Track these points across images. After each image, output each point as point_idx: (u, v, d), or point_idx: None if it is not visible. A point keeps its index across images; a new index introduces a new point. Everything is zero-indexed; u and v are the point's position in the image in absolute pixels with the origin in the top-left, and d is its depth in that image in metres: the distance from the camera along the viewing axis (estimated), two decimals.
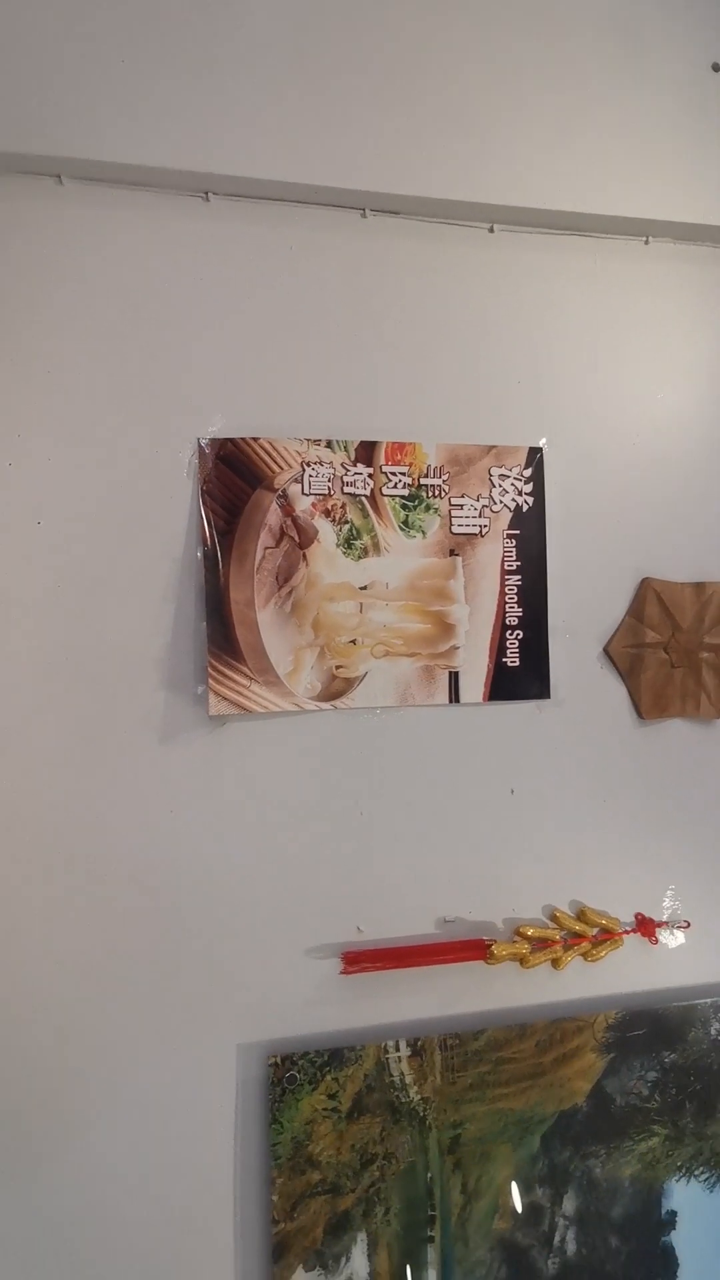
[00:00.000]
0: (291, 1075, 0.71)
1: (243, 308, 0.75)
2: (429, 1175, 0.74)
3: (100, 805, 0.71)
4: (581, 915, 0.80)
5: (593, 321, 0.85)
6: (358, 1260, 0.72)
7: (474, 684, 0.79)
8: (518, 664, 0.80)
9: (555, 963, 0.78)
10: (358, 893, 0.75)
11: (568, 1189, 0.77)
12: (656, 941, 0.81)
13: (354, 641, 0.76)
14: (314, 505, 0.76)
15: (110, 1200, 0.69)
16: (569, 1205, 0.77)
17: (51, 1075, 0.68)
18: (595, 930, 0.79)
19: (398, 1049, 0.74)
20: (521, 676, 0.80)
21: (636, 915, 0.82)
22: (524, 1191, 0.76)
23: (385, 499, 0.79)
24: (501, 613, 0.80)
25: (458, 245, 0.81)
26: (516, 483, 0.83)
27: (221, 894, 0.73)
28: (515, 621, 0.80)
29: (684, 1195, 0.80)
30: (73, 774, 0.70)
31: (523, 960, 0.77)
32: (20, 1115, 0.67)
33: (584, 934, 0.79)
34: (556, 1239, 0.77)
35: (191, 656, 0.72)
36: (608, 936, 0.80)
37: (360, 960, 0.73)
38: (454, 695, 0.78)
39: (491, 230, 0.81)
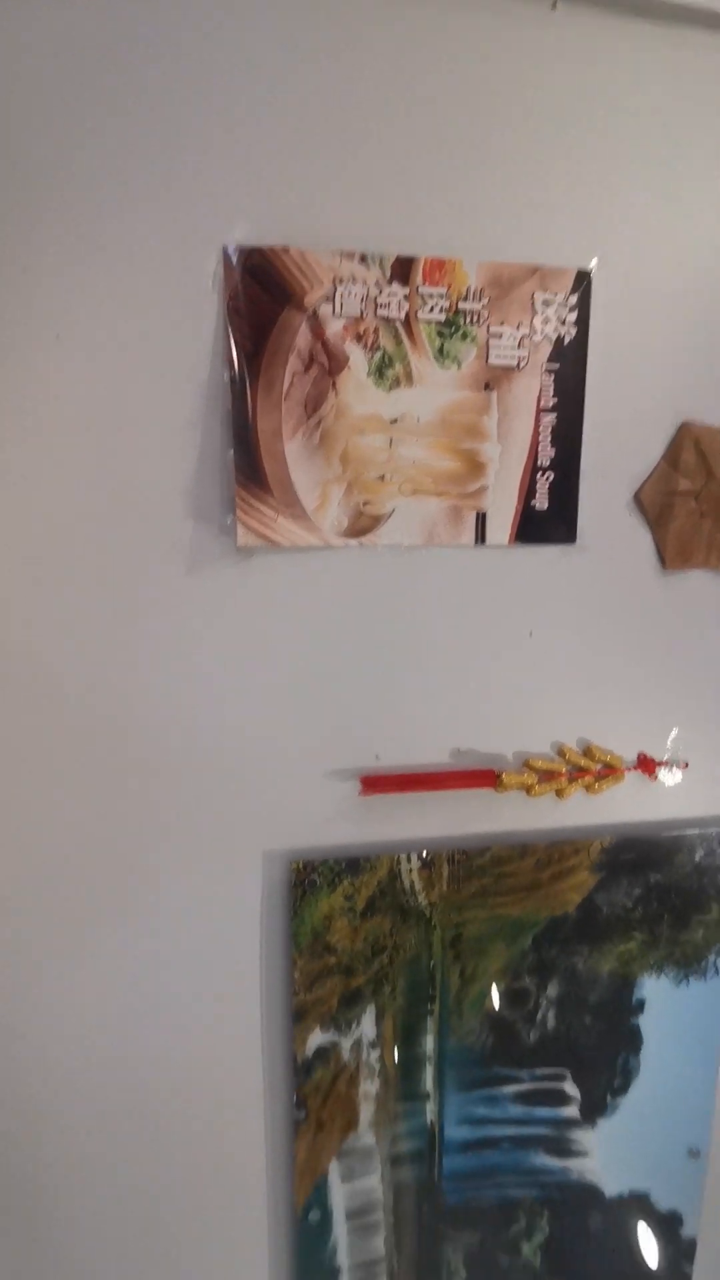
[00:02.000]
0: (312, 879, 0.78)
1: (269, 97, 0.67)
2: (431, 964, 0.84)
3: (128, 633, 0.72)
4: (587, 752, 0.84)
5: (663, 128, 0.75)
6: (366, 1025, 0.83)
7: (501, 526, 0.78)
8: (546, 507, 0.79)
9: (559, 793, 0.84)
10: (376, 723, 0.79)
11: (552, 978, 0.87)
12: (656, 778, 0.86)
13: (382, 478, 0.74)
14: (345, 329, 0.72)
15: (151, 976, 0.78)
16: (552, 991, 0.88)
17: (95, 873, 0.75)
18: (599, 765, 0.84)
19: (409, 861, 0.81)
20: (549, 520, 0.79)
21: (639, 754, 0.86)
22: (513, 979, 0.86)
23: (420, 325, 0.74)
24: (534, 453, 0.77)
25: (516, 28, 0.70)
26: (560, 310, 0.78)
27: (248, 721, 0.76)
28: (547, 462, 0.78)
29: (653, 987, 0.90)
30: (101, 600, 0.71)
31: (529, 789, 0.82)
32: (67, 903, 0.75)
33: (588, 768, 0.84)
34: (538, 1016, 0.88)
35: (219, 487, 0.71)
36: (610, 772, 0.85)
37: (377, 784, 0.78)
38: (480, 537, 0.78)
39: (555, 7, 0.70)
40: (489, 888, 0.83)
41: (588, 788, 0.84)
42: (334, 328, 0.72)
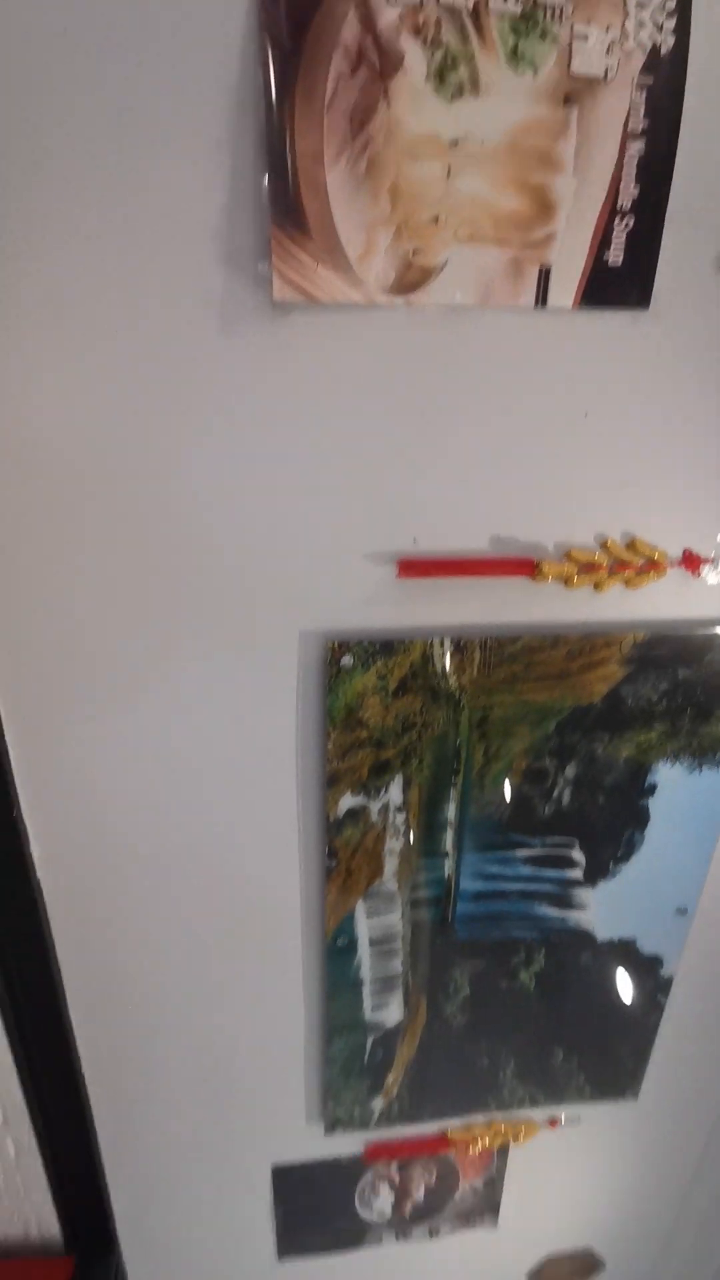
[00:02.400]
0: (347, 659, 0.81)
1: None
2: (457, 741, 0.88)
3: (160, 400, 0.69)
4: (631, 545, 0.82)
5: None
6: (394, 792, 0.90)
7: (566, 285, 0.69)
8: (620, 263, 0.69)
9: (597, 586, 0.82)
10: (416, 505, 0.77)
11: (571, 761, 0.92)
12: (699, 575, 0.84)
13: (436, 219, 0.65)
14: (401, 19, 0.59)
15: (199, 743, 0.84)
16: (569, 771, 0.93)
17: (146, 647, 0.78)
18: (641, 560, 0.82)
19: (442, 646, 0.82)
20: (622, 279, 0.70)
21: (685, 550, 0.83)
22: (534, 759, 0.91)
23: (492, 17, 0.60)
24: (614, 191, 0.66)
25: None
26: (657, 14, 0.63)
27: (282, 498, 0.74)
28: (628, 204, 0.67)
29: (666, 774, 0.95)
30: (131, 364, 0.67)
31: (567, 580, 0.81)
32: (119, 676, 0.79)
33: (630, 562, 0.82)
34: (554, 793, 0.94)
35: (252, 226, 0.63)
36: (652, 567, 0.83)
37: (415, 568, 0.78)
38: (541, 298, 0.69)
39: None
40: (518, 675, 0.85)
41: (627, 582, 0.83)
42: (388, 17, 0.59)
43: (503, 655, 0.84)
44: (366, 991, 1.04)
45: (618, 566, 0.82)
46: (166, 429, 0.69)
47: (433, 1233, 1.39)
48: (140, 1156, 1.16)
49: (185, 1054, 1.07)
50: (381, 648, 0.81)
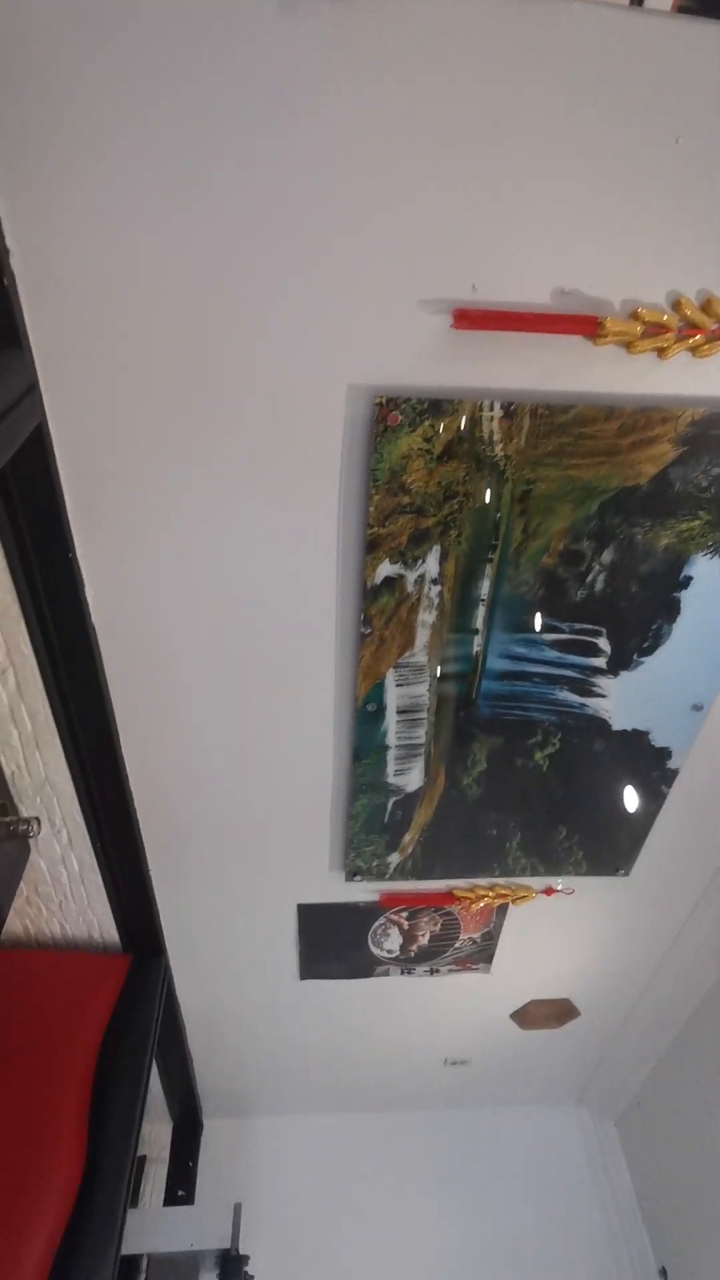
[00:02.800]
0: (394, 414, 0.80)
1: None
2: (498, 515, 0.89)
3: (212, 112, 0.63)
4: (707, 305, 0.76)
5: None
6: (431, 563, 0.92)
7: None
8: None
9: (661, 353, 0.78)
10: (478, 248, 0.72)
11: (609, 545, 0.93)
12: None
13: None
14: None
15: (242, 506, 0.86)
16: (606, 557, 0.94)
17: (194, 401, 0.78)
18: (715, 324, 0.77)
19: (491, 409, 0.80)
20: None
21: None
22: (572, 541, 0.92)
23: None
24: None
25: None
26: None
27: (336, 235, 0.70)
28: None
29: (703, 567, 0.96)
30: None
31: (630, 344, 0.77)
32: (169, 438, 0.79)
33: (702, 326, 0.77)
34: (588, 578, 0.96)
35: None
36: None
37: (471, 318, 0.74)
38: None
39: None
40: (566, 448, 0.84)
41: (694, 350, 0.78)
42: None
43: (553, 425, 0.82)
44: (391, 756, 1.13)
45: (687, 330, 0.77)
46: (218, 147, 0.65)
47: (433, 972, 1.61)
48: (185, 882, 1.34)
49: (226, 801, 1.20)
50: (430, 407, 0.79)
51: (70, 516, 0.85)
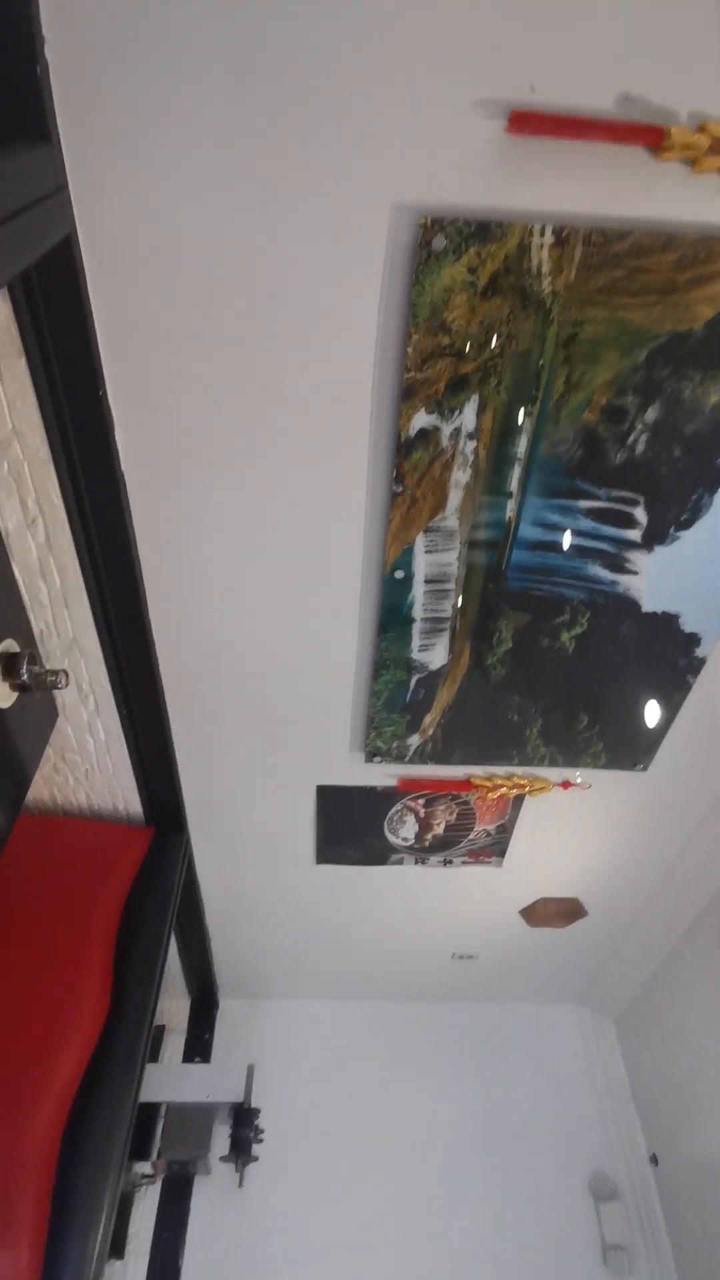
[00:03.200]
0: (439, 239, 0.76)
1: None
2: (541, 362, 0.85)
3: None
4: None
5: None
6: (468, 414, 0.89)
7: None
8: None
9: None
10: (539, 44, 0.66)
11: (654, 401, 0.89)
12: None
13: None
14: None
15: (280, 325, 0.83)
16: (650, 415, 0.90)
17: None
18: None
19: (542, 234, 0.76)
20: None
21: None
22: (615, 395, 0.88)
23: None
24: None
25: None
26: None
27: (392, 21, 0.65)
28: None
29: None
30: None
31: (695, 161, 0.72)
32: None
33: None
34: (630, 439, 0.92)
35: None
36: None
37: (528, 121, 0.69)
38: None
39: None
40: (619, 284, 0.79)
41: None
42: None
43: (606, 255, 0.77)
44: (416, 630, 1.13)
45: None
46: None
47: (447, 862, 1.64)
48: (208, 759, 1.37)
49: (250, 673, 1.21)
50: (476, 231, 0.75)
51: (100, 346, 0.82)
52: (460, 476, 0.95)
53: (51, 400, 0.85)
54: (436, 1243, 1.80)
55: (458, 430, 0.90)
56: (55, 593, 1.06)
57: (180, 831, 1.48)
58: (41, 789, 1.40)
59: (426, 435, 0.90)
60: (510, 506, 0.98)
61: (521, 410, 0.89)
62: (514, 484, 0.96)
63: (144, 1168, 1.61)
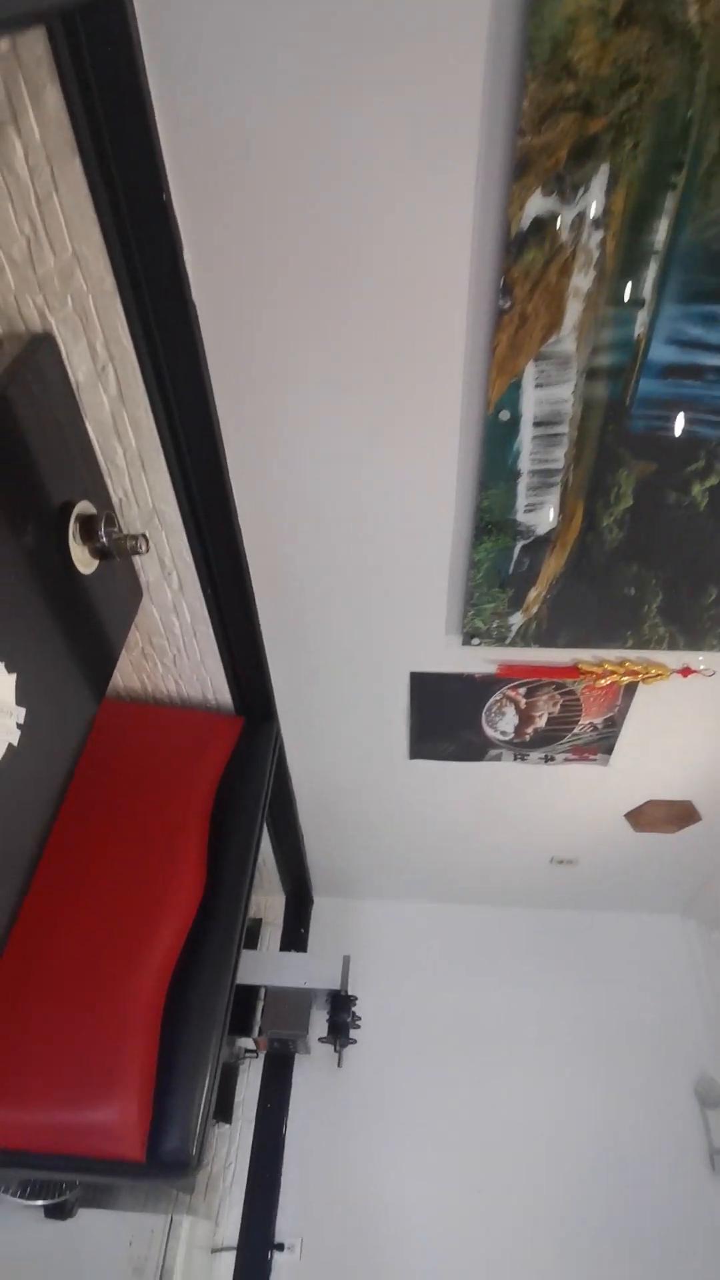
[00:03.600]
0: None
1: None
2: (689, 113, 0.68)
3: None
4: None
5: None
6: (595, 192, 0.73)
7: None
8: None
9: None
10: None
11: None
12: None
13: None
14: None
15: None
16: None
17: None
18: None
19: None
20: None
21: None
22: None
23: None
24: None
25: None
26: None
27: None
28: None
29: None
30: None
31: None
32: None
33: None
34: None
35: None
36: None
37: None
38: None
39: None
40: None
41: None
42: None
43: None
44: (522, 486, 1.00)
45: None
46: None
47: (548, 759, 1.55)
48: (297, 643, 1.31)
49: (340, 545, 1.12)
50: None
51: (160, 135, 0.72)
52: (581, 282, 0.80)
53: (112, 211, 0.76)
54: (530, 1137, 1.81)
55: (580, 217, 0.75)
56: (131, 453, 1.00)
57: (270, 721, 1.45)
58: (131, 676, 1.39)
59: (542, 227, 0.76)
60: (641, 319, 0.82)
61: (663, 181, 0.72)
62: (647, 289, 0.80)
63: (247, 1043, 1.67)
